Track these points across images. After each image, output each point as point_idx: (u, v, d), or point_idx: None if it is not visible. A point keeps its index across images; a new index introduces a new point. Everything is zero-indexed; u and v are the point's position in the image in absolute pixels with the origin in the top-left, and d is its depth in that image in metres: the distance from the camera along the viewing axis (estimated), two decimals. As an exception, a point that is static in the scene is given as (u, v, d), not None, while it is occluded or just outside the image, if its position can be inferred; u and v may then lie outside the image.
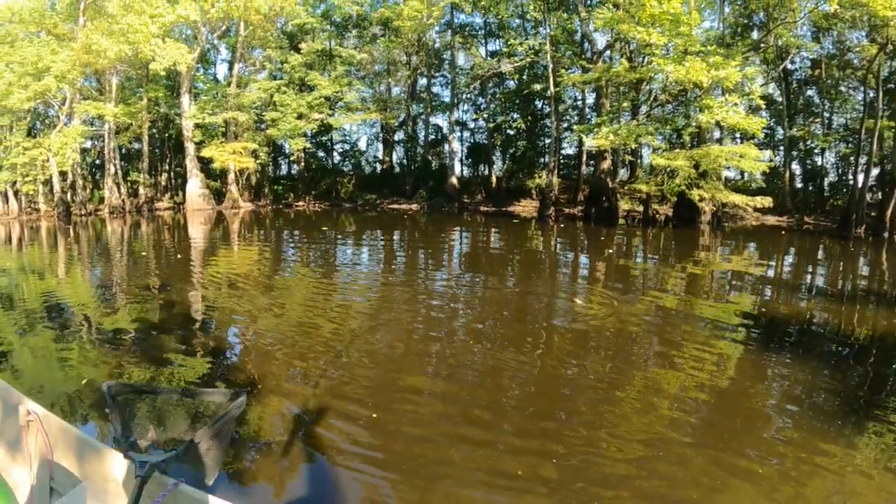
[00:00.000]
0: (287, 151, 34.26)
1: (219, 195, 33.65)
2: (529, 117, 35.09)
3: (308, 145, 35.18)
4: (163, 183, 37.31)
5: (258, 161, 32.75)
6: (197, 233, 21.49)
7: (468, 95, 36.87)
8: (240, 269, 12.10)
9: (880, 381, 6.31)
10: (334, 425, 4.45)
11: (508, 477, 3.81)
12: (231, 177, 32.69)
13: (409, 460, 3.99)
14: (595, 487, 3.75)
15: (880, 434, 4.76)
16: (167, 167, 37.69)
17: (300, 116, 30.90)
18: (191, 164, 32.42)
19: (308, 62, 31.95)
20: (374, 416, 4.61)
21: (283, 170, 40.19)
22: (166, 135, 37.01)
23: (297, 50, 32.75)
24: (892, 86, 30.68)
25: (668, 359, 6.48)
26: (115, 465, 2.47)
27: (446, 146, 34.78)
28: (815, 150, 37.02)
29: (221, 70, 42.24)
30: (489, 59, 31.75)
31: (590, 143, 22.86)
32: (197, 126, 32.10)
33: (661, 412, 4.91)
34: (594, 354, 6.55)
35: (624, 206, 27.39)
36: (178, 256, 14.43)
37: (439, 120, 38.18)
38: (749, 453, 4.23)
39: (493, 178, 36.27)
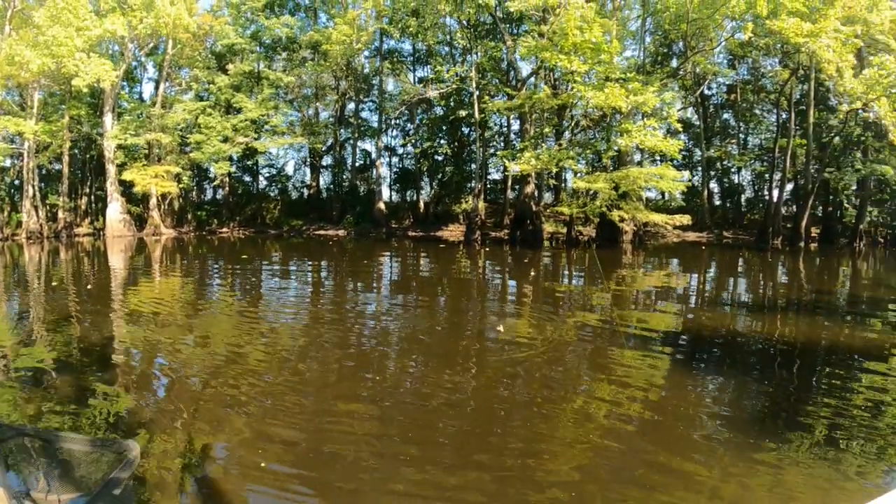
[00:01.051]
0: (212, 175, 33.29)
1: (140, 221, 32.25)
2: (456, 143, 35.57)
3: (233, 170, 34.31)
4: (83, 207, 35.42)
5: (181, 185, 31.66)
6: (118, 261, 20.44)
7: (397, 121, 37.04)
8: (163, 300, 11.40)
9: (805, 386, 6.58)
10: (262, 465, 4.16)
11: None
12: (153, 201, 31.40)
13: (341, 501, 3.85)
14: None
15: (809, 435, 4.94)
16: (87, 190, 35.92)
17: (225, 139, 30.21)
18: (112, 188, 31.07)
19: (235, 84, 31.35)
20: (305, 453, 4.42)
21: (209, 194, 38.93)
22: (88, 155, 35.31)
23: (225, 71, 32.15)
24: (804, 107, 32.86)
25: (596, 380, 6.43)
26: None
27: (374, 171, 34.82)
28: (732, 169, 39.33)
29: (148, 89, 40.76)
30: (417, 84, 32.11)
31: (513, 168, 23.35)
32: (119, 147, 30.86)
33: (593, 438, 4.81)
34: (522, 383, 6.41)
35: (549, 228, 28.08)
36: (99, 286, 13.55)
37: (368, 145, 38.14)
38: (683, 480, 4.16)
39: (421, 204, 36.52)
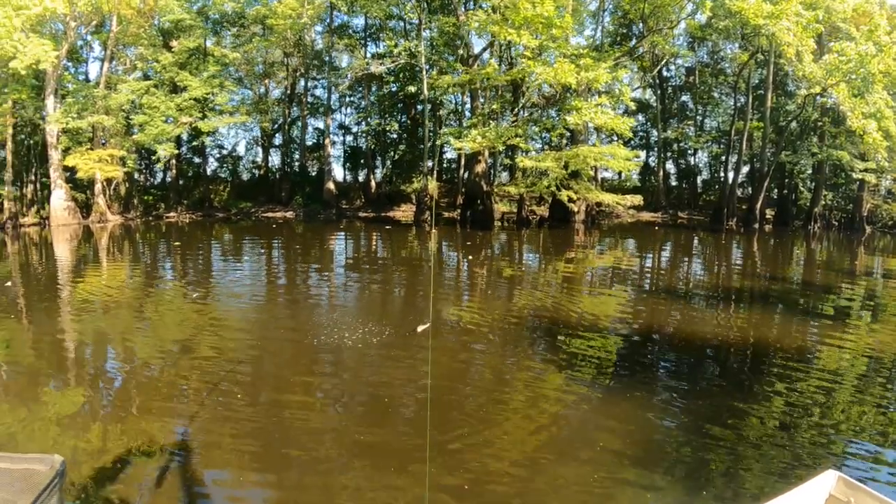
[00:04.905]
0: (160, 157, 32.28)
1: (86, 208, 31.23)
2: (409, 121, 34.78)
3: (182, 151, 33.24)
4: (29, 196, 34.15)
5: (126, 169, 30.66)
6: (63, 251, 19.61)
7: (351, 99, 36.14)
8: (111, 291, 10.93)
9: (757, 374, 6.54)
10: (221, 459, 4.10)
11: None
12: (98, 187, 30.32)
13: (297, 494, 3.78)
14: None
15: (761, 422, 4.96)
16: (33, 178, 34.56)
17: (171, 120, 29.31)
18: (55, 175, 29.85)
19: (180, 61, 30.32)
20: (263, 449, 4.30)
21: (159, 177, 37.77)
22: (32, 141, 33.96)
23: (170, 48, 31.12)
24: (762, 92, 33.13)
25: (544, 370, 6.30)
26: None
27: (325, 150, 33.90)
28: (689, 151, 39.56)
29: (94, 69, 39.21)
30: (368, 59, 31.43)
31: (460, 146, 22.98)
32: (63, 131, 29.71)
33: (541, 433, 4.78)
34: (472, 375, 6.28)
35: (502, 208, 27.76)
36: (46, 278, 13.00)
37: (321, 123, 36.88)
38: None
39: (373, 183, 35.75)
